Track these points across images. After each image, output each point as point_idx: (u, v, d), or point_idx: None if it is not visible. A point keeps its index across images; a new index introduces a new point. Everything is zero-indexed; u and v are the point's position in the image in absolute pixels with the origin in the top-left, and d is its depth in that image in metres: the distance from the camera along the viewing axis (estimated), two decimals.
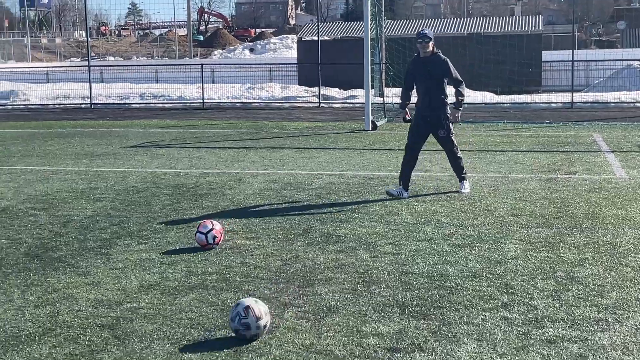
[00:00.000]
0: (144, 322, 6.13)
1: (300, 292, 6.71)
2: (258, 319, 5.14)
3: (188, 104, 32.79)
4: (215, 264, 7.75)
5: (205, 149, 17.24)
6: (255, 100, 32.99)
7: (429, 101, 11.51)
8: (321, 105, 31.30)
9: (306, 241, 8.49)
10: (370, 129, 20.53)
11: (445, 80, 11.49)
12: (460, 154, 11.80)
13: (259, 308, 5.24)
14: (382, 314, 6.10)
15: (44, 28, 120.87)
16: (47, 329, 6.05)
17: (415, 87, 12.10)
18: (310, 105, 32.11)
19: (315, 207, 10.38)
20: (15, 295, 6.93)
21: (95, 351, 5.57)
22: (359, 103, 24.50)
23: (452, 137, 11.73)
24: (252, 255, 8.03)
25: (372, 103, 21.09)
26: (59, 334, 5.93)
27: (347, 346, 5.45)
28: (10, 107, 35.68)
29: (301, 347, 5.50)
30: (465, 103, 11.40)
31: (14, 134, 22.72)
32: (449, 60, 11.29)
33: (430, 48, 11.58)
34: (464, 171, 11.74)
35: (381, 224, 9.19)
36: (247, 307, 5.16)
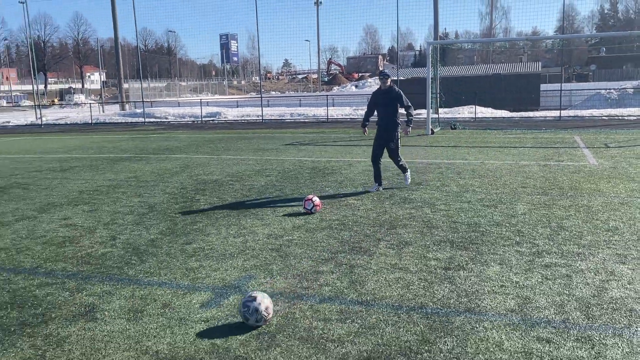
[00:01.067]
0: (296, 247, 6.35)
1: (388, 232, 6.84)
2: (257, 321, 4.14)
3: (318, 119, 32.93)
4: (336, 214, 7.95)
5: (329, 146, 17.42)
6: (358, 117, 32.92)
7: (386, 123, 9.75)
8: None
9: (391, 202, 8.59)
10: (430, 133, 20.24)
11: (398, 105, 9.68)
12: (401, 160, 10.07)
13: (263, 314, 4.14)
14: (439, 246, 6.20)
15: (235, 74, 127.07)
16: (241, 250, 6.32)
17: (376, 111, 10.04)
18: None
19: (396, 181, 10.37)
20: (222, 230, 7.27)
21: (267, 264, 5.81)
22: (422, 117, 24.19)
23: (398, 150, 9.94)
24: (358, 209, 8.18)
25: (431, 117, 20.84)
26: (247, 253, 6.19)
27: (418, 265, 5.58)
28: (216, 121, 36.80)
29: (389, 265, 5.65)
30: (414, 120, 10.25)
31: (219, 137, 23.39)
32: (401, 92, 9.72)
33: (389, 83, 9.84)
34: (406, 168, 10.14)
35: (438, 192, 9.19)
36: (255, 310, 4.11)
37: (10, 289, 5.38)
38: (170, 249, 6.48)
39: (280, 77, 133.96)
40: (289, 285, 5.18)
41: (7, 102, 62.05)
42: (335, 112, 35.00)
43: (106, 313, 4.67)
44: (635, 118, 26.99)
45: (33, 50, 49.00)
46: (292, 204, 8.87)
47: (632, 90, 34.61)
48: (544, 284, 4.90)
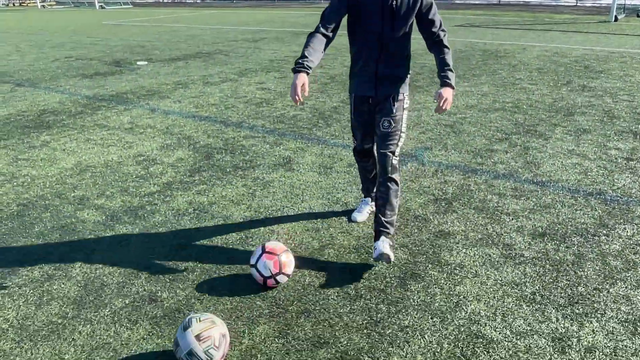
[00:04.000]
0: (469, 125, 6.20)
1: (565, 118, 6.39)
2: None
3: (490, 1, 30.22)
4: (510, 97, 7.51)
5: (501, 29, 16.10)
6: (535, 1, 29.66)
7: (385, 67, 3.23)
8: (577, 4, 27.58)
9: (568, 88, 7.89)
10: (613, 20, 17.86)
11: (422, 28, 3.23)
12: (396, 172, 6.55)
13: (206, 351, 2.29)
14: (621, 137, 5.68)
15: None
16: (415, 124, 6.28)
17: (352, 31, 3.34)
18: (572, 4, 28.52)
19: (574, 70, 9.28)
20: None
21: (441, 138, 5.72)
22: (605, 3, 21.22)
23: (400, 137, 3.32)
24: (533, 94, 7.68)
25: (616, 2, 18.22)
26: (422, 127, 6.16)
27: (597, 154, 5.19)
28: None
29: (566, 150, 5.37)
30: None
31: None
32: None
33: None
34: (392, 205, 3.48)
35: (620, 81, 8.22)
36: (190, 353, 2.30)
37: (223, 137, 5.95)
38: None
39: None
40: (464, 159, 5.11)
41: None
42: None
43: (301, 165, 5.02)
44: None
45: None
46: (465, 84, 8.48)
47: None
48: None
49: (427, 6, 2.97)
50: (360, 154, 3.58)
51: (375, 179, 3.57)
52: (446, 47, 3.05)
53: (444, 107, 2.93)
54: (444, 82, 2.96)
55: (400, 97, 3.16)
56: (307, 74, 2.82)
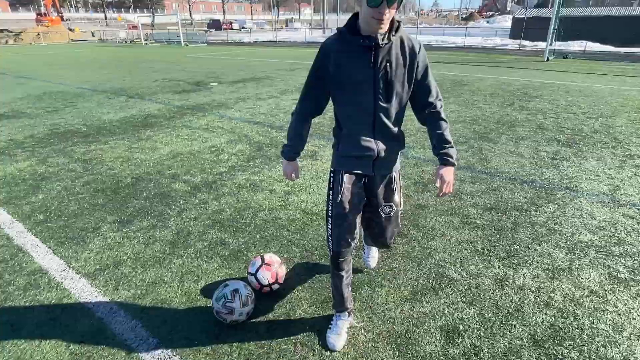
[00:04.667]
0: None
1: (509, 129, 6.27)
2: (244, 305, 2.15)
3: (457, 45, 29.38)
4: (470, 113, 7.31)
5: (466, 65, 15.60)
6: (488, 45, 28.75)
7: (381, 145, 1.90)
8: (520, 48, 26.89)
9: (511, 108, 7.73)
10: (546, 60, 17.38)
11: (418, 96, 1.84)
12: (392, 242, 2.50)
13: (247, 294, 2.18)
14: (547, 143, 5.57)
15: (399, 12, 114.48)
16: None
17: (338, 106, 1.86)
18: (515, 48, 27.74)
19: (517, 95, 9.08)
20: None
21: (420, 141, 5.64)
22: (540, 47, 20.72)
23: (399, 219, 2.20)
24: (486, 111, 7.51)
25: (548, 48, 17.72)
26: (405, 132, 6.03)
27: (530, 154, 5.14)
28: None
29: (508, 152, 5.27)
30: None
31: None
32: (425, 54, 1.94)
33: (390, 14, 1.68)
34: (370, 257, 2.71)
35: (549, 104, 7.99)
36: (235, 291, 2.16)
37: (269, 136, 5.91)
38: None
39: (430, 13, 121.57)
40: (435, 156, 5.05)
41: (256, 26, 64.52)
42: (469, 41, 31.16)
43: (323, 157, 4.99)
44: None
45: None
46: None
47: None
48: (632, 178, 4.25)
49: (423, 69, 1.70)
50: (338, 263, 1.94)
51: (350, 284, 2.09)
52: (444, 120, 1.77)
53: (447, 191, 1.74)
54: (445, 161, 1.74)
55: (397, 176, 1.94)
56: (295, 159, 1.96)
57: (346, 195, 1.83)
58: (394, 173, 1.91)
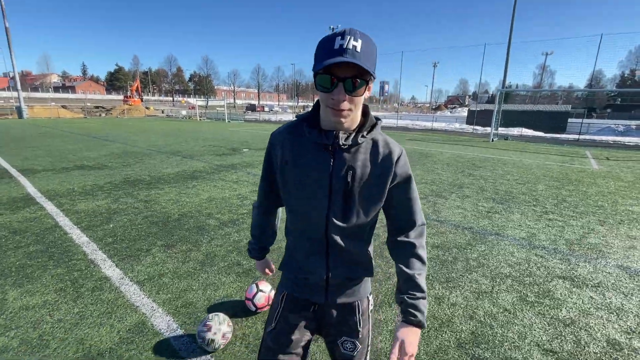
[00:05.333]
0: None
1: (457, 189, 6.38)
2: (220, 323, 1.94)
3: (426, 128, 29.96)
4: (430, 177, 7.46)
5: (431, 142, 15.89)
6: (450, 130, 29.58)
7: (340, 264, 1.08)
8: (472, 131, 27.68)
9: (462, 174, 7.87)
10: (491, 141, 17.90)
11: (393, 202, 1.07)
12: None
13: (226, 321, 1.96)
14: (486, 200, 5.62)
15: (384, 102, 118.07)
16: None
17: (290, 211, 1.09)
18: (469, 132, 28.53)
19: (466, 165, 9.29)
20: None
21: None
22: (487, 131, 21.42)
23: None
24: (442, 176, 7.66)
25: (492, 132, 18.28)
26: None
27: (471, 208, 5.19)
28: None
29: (456, 205, 5.34)
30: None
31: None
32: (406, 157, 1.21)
33: (363, 93, 0.92)
34: None
35: (489, 172, 8.14)
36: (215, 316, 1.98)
37: None
38: None
39: (409, 104, 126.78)
40: None
41: (281, 109, 67.58)
42: (436, 125, 32.16)
43: None
44: (633, 144, 21.08)
45: (295, 88, 51.45)
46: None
47: (634, 126, 26.93)
48: (545, 228, 4.35)
49: (403, 183, 1.00)
50: None
51: None
52: (420, 259, 0.99)
53: (406, 358, 0.89)
54: (410, 318, 0.93)
55: (365, 303, 1.10)
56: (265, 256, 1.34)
57: (282, 326, 1.05)
58: (359, 300, 1.07)
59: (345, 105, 0.87)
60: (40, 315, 2.27)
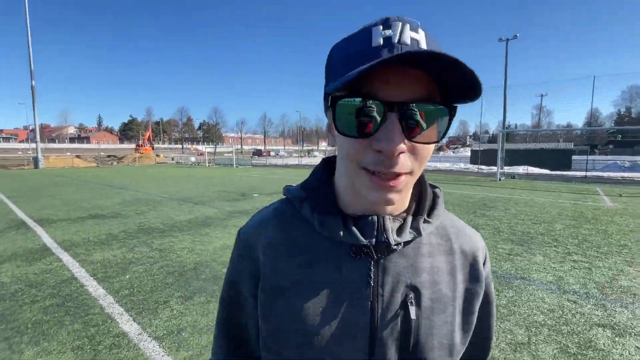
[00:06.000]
0: None
1: None
2: None
3: (430, 167, 30.32)
4: None
5: (437, 182, 16.11)
6: (440, 168, 29.73)
7: None
8: (478, 171, 27.78)
9: (474, 215, 7.78)
10: (498, 180, 17.91)
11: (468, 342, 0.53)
12: None
13: None
14: (504, 242, 5.53)
15: None
16: None
17: None
18: (475, 171, 28.61)
19: (477, 205, 9.18)
20: None
21: None
22: (494, 170, 21.45)
23: None
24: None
25: (499, 171, 18.41)
26: None
27: (491, 250, 5.07)
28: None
29: None
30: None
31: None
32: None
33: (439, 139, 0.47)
34: None
35: (503, 212, 8.04)
36: None
37: None
38: None
39: None
40: None
41: (286, 153, 69.20)
42: (440, 165, 32.25)
43: None
44: None
45: (301, 134, 53.25)
46: None
47: None
48: (572, 271, 4.20)
49: (491, 292, 0.50)
50: None
51: None
52: None
53: None
54: None
55: None
56: None
57: None
58: None
59: (404, 162, 0.41)
60: None
